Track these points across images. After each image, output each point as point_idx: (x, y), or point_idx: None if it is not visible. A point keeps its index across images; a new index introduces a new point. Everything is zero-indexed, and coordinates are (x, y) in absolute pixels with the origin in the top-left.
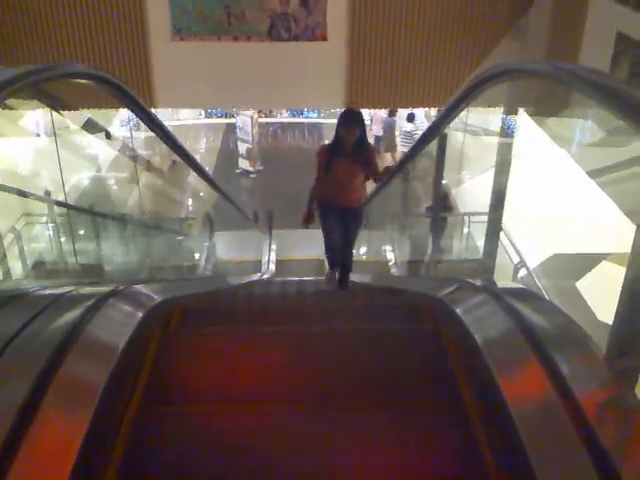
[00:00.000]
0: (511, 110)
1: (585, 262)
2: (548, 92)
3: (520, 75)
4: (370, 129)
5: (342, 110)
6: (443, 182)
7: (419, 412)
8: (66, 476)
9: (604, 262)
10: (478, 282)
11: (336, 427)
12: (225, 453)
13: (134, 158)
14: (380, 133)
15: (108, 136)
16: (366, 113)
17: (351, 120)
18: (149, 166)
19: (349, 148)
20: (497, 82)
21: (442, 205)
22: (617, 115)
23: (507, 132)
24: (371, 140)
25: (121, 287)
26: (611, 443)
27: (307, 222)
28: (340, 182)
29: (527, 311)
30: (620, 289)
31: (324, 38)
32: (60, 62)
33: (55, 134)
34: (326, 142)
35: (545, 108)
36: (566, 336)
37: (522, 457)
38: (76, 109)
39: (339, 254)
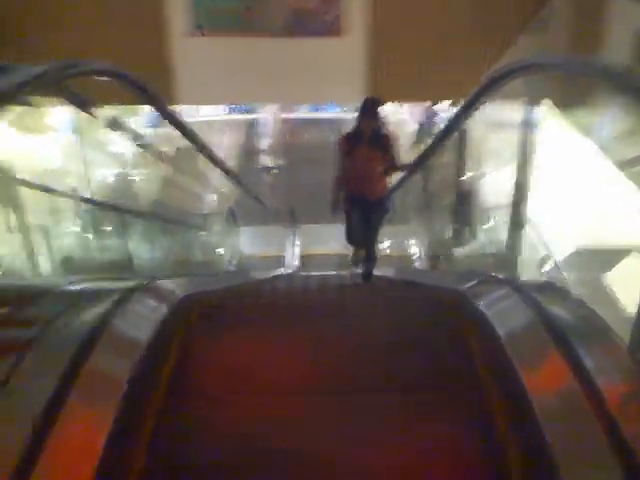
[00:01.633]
0: (535, 100)
1: (613, 255)
2: (573, 82)
3: (539, 70)
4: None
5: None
6: (468, 175)
7: (442, 405)
8: (93, 468)
9: (633, 254)
10: (501, 276)
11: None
12: (251, 444)
13: (145, 147)
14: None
15: (115, 126)
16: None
17: (370, 108)
18: (161, 156)
19: (368, 135)
20: (515, 77)
21: (469, 200)
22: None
23: (530, 123)
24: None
25: (145, 282)
26: (634, 435)
27: (334, 209)
28: (361, 170)
29: (549, 303)
30: None
31: (343, 33)
32: (82, 59)
33: (79, 132)
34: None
35: (570, 98)
36: (588, 328)
37: (544, 449)
38: (97, 106)
39: (360, 240)
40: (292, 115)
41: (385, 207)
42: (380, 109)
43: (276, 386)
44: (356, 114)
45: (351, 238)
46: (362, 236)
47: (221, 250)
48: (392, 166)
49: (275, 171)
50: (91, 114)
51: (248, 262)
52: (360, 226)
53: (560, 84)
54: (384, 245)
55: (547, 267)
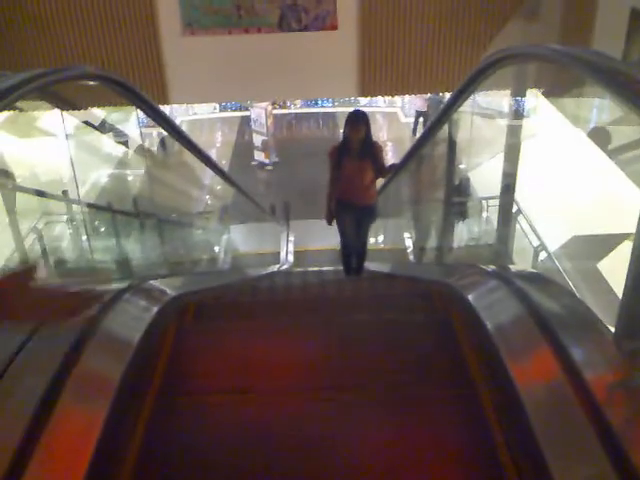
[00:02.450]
0: (523, 91)
1: (606, 243)
2: (561, 72)
3: (524, 60)
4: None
5: (350, 111)
6: (461, 167)
7: (433, 399)
8: (85, 465)
9: (626, 242)
10: (493, 267)
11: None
12: (242, 442)
13: (126, 143)
14: (424, 109)
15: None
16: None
17: (356, 120)
18: (143, 151)
19: (356, 147)
20: (501, 67)
21: (464, 191)
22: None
23: (520, 113)
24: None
25: (137, 282)
26: (620, 424)
27: (330, 220)
28: (351, 180)
29: (537, 295)
30: (627, 271)
31: (335, 27)
32: (67, 65)
33: (70, 135)
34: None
35: (559, 88)
36: (575, 318)
37: (532, 440)
38: (85, 109)
39: (353, 254)
40: (285, 110)
41: (375, 212)
42: (365, 121)
43: (265, 384)
44: (349, 111)
45: (346, 259)
46: (353, 241)
47: (215, 248)
48: (380, 173)
49: (269, 167)
50: (84, 119)
51: (242, 259)
52: (352, 232)
53: (548, 73)
54: (378, 239)
55: (539, 256)
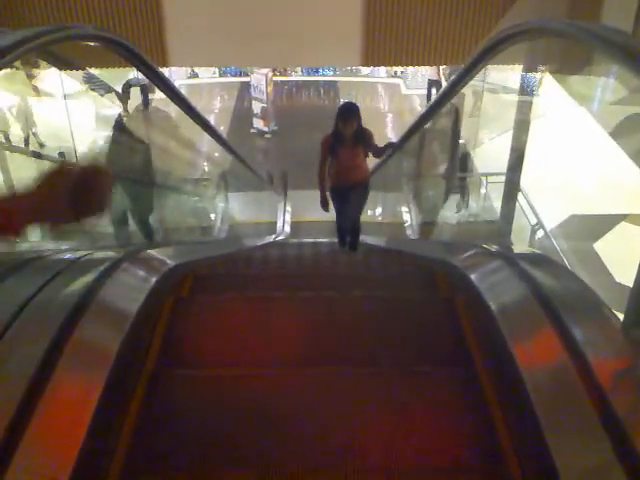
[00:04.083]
0: (531, 67)
1: (603, 223)
2: (569, 49)
3: (540, 35)
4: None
5: (340, 105)
6: (461, 142)
7: (432, 379)
8: (82, 435)
9: (622, 223)
10: (493, 246)
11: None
12: (239, 414)
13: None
14: (435, 77)
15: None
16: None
17: (349, 115)
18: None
19: (349, 136)
20: (515, 42)
21: (464, 166)
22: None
23: (527, 90)
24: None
25: (134, 251)
26: (624, 411)
27: (326, 206)
28: (346, 165)
29: (541, 276)
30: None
31: None
32: (67, 24)
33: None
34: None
35: (566, 65)
36: (580, 301)
37: (534, 424)
38: (83, 69)
39: (349, 230)
40: (286, 78)
41: (367, 189)
42: (357, 114)
43: (262, 357)
44: (350, 80)
45: (340, 227)
46: (348, 219)
47: (212, 216)
48: (376, 156)
49: (268, 135)
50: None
51: (239, 228)
52: (346, 211)
53: (558, 51)
54: (376, 212)
55: (539, 234)
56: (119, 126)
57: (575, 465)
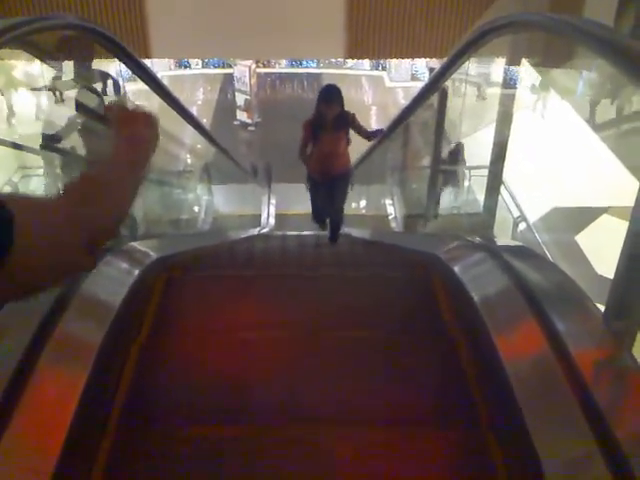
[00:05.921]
0: (514, 61)
1: (585, 215)
2: (551, 42)
3: (524, 28)
4: None
5: (322, 87)
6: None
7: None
8: (69, 416)
9: (604, 215)
10: (476, 238)
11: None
12: (224, 378)
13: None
14: (436, 66)
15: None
16: None
17: (331, 96)
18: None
19: (331, 121)
20: (499, 35)
21: (456, 158)
22: (620, 70)
23: (509, 84)
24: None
25: (119, 243)
26: (605, 401)
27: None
28: (327, 152)
29: (524, 268)
30: (619, 253)
31: None
32: (50, 13)
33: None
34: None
35: (548, 59)
36: (561, 293)
37: (516, 413)
38: (63, 60)
39: (326, 215)
40: (270, 70)
41: (349, 179)
42: (339, 96)
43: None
44: (335, 72)
45: (317, 217)
46: (327, 211)
47: (195, 208)
48: (366, 138)
49: (251, 128)
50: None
51: (223, 221)
52: (326, 201)
53: (540, 44)
54: (360, 205)
55: (521, 227)
56: (81, 106)
57: (556, 450)
